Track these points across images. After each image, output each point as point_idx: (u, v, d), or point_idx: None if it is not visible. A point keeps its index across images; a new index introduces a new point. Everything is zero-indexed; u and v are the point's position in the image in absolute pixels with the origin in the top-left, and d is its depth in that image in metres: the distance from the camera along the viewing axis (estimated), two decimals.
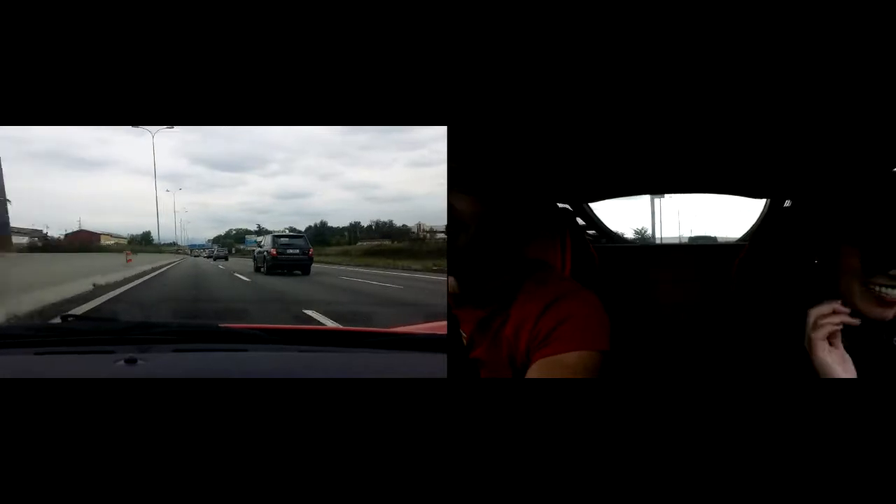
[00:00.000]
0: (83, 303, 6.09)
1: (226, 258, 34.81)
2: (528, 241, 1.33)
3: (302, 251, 13.82)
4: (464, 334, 1.11)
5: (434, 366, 0.94)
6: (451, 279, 1.13)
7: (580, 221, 2.10)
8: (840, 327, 0.98)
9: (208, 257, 41.25)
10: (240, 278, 11.52)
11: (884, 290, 0.97)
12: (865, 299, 0.99)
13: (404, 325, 1.30)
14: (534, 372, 1.03)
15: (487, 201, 1.03)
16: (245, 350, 1.06)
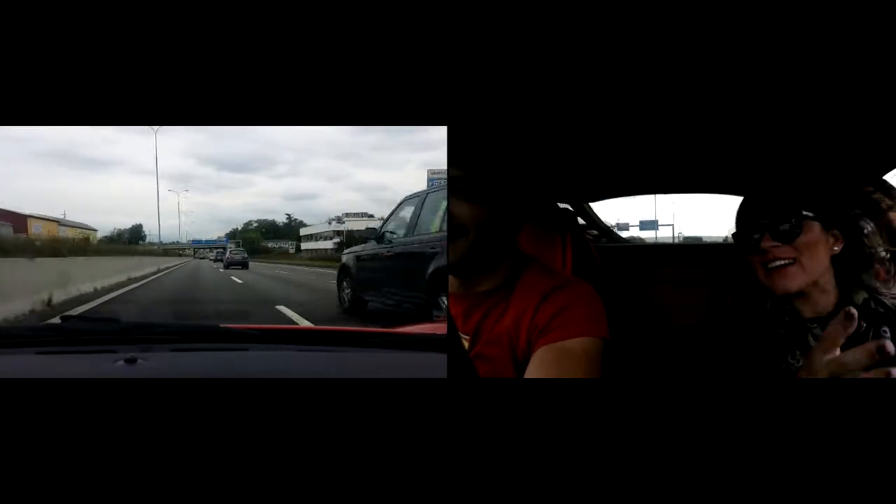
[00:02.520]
0: None
1: (244, 265, 22.88)
2: (528, 240, 1.33)
3: None
4: (465, 337, 1.12)
5: (434, 366, 0.94)
6: (451, 278, 1.14)
7: (581, 221, 2.10)
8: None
9: (216, 261, 31.89)
10: None
11: (772, 265, 1.11)
12: (769, 279, 1.13)
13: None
14: (536, 360, 1.03)
15: (487, 207, 1.06)
16: (245, 350, 1.06)
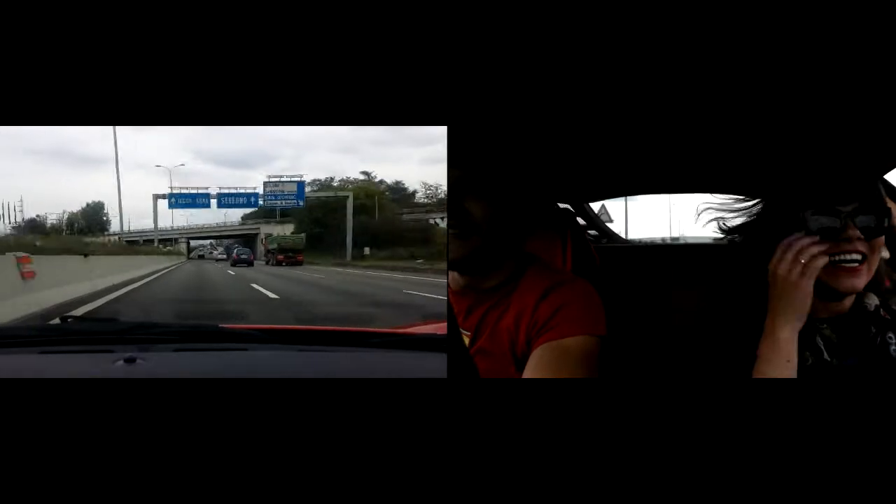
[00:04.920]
0: None
1: None
2: (530, 238, 1.34)
3: None
4: (466, 332, 1.12)
5: (434, 366, 0.95)
6: (454, 275, 1.14)
7: (581, 221, 2.09)
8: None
9: (236, 263, 18.89)
10: None
11: (842, 258, 1.00)
12: (831, 274, 1.01)
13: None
14: (535, 358, 1.04)
15: (500, 204, 1.07)
16: (245, 350, 1.06)
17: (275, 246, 22.21)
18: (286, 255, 20.91)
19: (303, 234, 23.44)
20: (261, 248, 25.72)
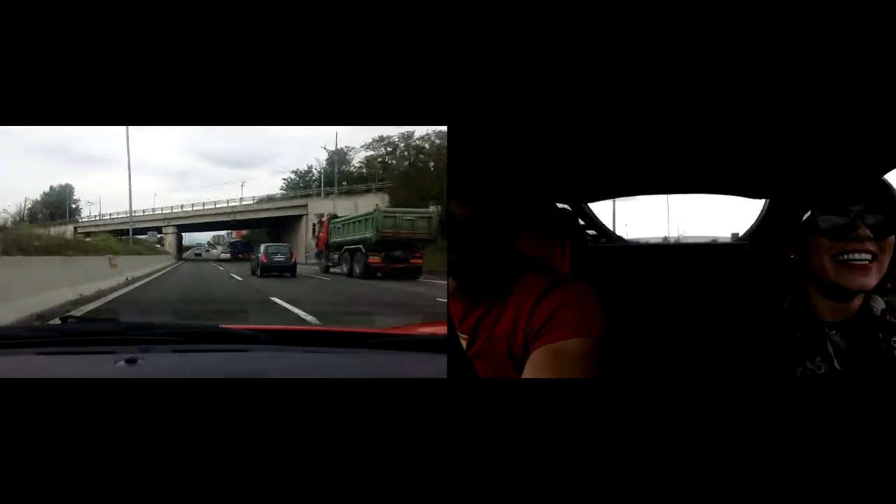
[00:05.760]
0: None
1: None
2: (527, 240, 1.34)
3: None
4: (463, 336, 1.12)
5: (434, 366, 0.95)
6: (451, 280, 1.14)
7: (580, 221, 2.10)
8: None
9: (265, 267, 11.25)
10: None
11: (852, 257, 1.02)
12: (840, 273, 1.03)
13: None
14: (533, 361, 1.04)
15: (484, 209, 1.07)
16: (245, 350, 1.06)
17: (368, 234, 11.38)
18: (389, 254, 11.12)
19: (432, 210, 12.10)
20: (308, 243, 15.28)
